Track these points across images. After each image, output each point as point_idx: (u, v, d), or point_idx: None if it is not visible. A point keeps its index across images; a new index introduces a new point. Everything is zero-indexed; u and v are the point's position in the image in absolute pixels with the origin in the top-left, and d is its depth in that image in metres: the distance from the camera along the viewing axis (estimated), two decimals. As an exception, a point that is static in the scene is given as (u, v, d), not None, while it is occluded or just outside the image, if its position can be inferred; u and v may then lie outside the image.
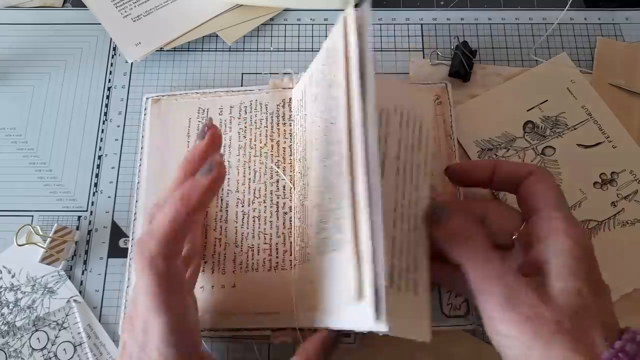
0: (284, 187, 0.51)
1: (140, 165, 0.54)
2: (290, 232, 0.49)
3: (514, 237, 0.41)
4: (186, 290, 0.40)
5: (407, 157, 0.43)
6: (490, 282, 0.37)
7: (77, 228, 0.54)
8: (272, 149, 0.53)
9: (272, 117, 0.54)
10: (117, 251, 0.53)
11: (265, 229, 0.50)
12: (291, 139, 0.53)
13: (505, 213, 0.43)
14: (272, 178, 0.52)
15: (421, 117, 0.45)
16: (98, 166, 0.56)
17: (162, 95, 0.56)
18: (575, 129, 0.55)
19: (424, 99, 0.47)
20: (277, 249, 0.49)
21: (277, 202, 0.51)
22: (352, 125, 0.37)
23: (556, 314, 0.34)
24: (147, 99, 0.56)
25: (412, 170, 0.43)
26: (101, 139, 0.57)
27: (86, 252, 0.53)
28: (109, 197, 0.55)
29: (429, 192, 0.43)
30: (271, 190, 0.51)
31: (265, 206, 0.51)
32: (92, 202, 0.55)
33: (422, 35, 0.61)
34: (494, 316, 0.36)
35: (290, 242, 0.49)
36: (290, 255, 0.49)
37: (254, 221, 0.50)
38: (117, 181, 0.56)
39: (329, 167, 0.41)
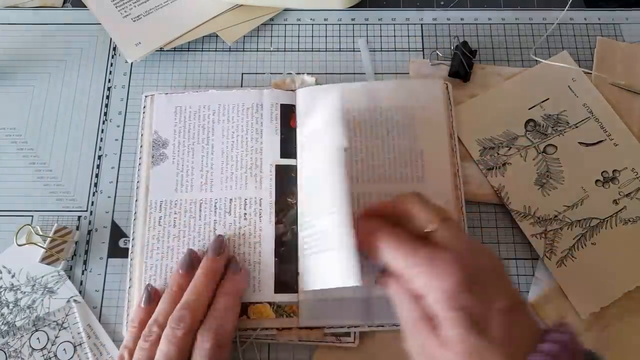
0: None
1: (140, 164, 0.53)
2: None
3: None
4: None
5: None
6: (407, 330, 0.39)
7: (77, 228, 0.53)
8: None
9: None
10: (117, 251, 0.53)
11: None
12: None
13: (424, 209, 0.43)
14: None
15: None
16: (98, 166, 0.56)
17: (160, 94, 0.56)
18: (576, 127, 0.55)
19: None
20: None
21: None
22: None
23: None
24: (145, 97, 0.56)
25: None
26: (101, 139, 0.57)
27: (86, 252, 0.53)
28: (109, 197, 0.55)
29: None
30: None
31: None
32: (92, 202, 0.55)
33: (422, 35, 0.61)
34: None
35: None
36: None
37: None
38: (117, 181, 0.55)
39: None
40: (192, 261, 0.47)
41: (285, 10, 0.63)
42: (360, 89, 0.54)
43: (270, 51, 0.61)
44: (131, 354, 0.44)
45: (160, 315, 0.44)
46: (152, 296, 0.47)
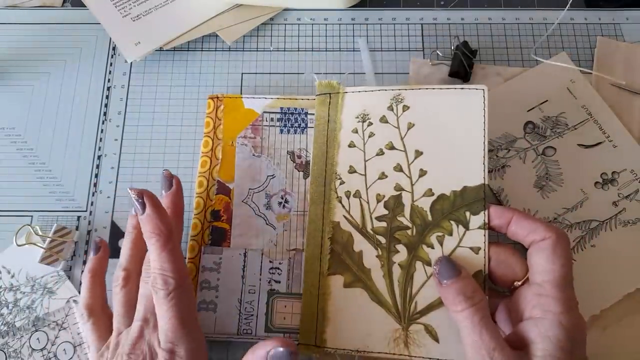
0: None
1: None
2: None
3: (514, 286, 0.42)
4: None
5: None
6: (479, 356, 0.37)
7: (77, 228, 0.54)
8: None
9: None
10: (116, 251, 0.53)
11: None
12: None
13: (512, 260, 0.42)
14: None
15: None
16: (97, 166, 0.56)
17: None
18: (575, 129, 0.55)
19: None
20: None
21: None
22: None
23: None
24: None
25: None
26: (100, 139, 0.57)
27: (85, 252, 0.53)
28: (109, 197, 0.55)
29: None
30: None
31: None
32: (92, 202, 0.55)
33: (422, 35, 0.61)
34: None
35: None
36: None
37: None
38: (116, 181, 0.55)
39: None
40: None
41: (285, 10, 0.63)
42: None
43: (270, 51, 0.61)
44: (89, 308, 0.45)
45: (123, 260, 0.45)
46: (99, 245, 0.48)
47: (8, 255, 0.52)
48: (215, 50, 0.61)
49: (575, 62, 0.58)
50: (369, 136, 0.49)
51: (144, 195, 0.41)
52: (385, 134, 0.49)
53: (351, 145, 0.49)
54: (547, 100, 0.56)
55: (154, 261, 0.40)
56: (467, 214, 0.44)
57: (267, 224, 0.51)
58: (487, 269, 0.43)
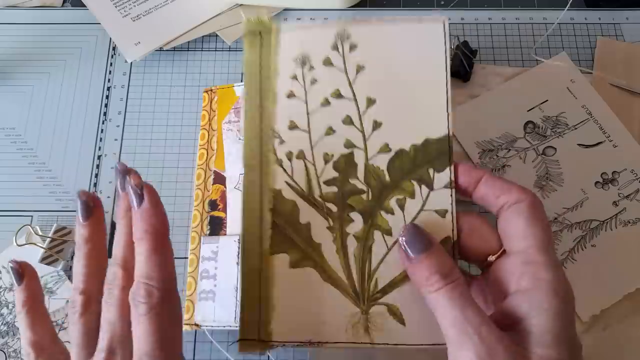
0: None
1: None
2: None
3: (489, 260, 0.36)
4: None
5: None
6: (465, 334, 0.31)
7: (77, 228, 0.53)
8: None
9: None
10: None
11: None
12: None
13: (483, 230, 0.37)
14: None
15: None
16: (97, 166, 0.56)
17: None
18: (575, 128, 0.55)
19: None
20: None
21: None
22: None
23: None
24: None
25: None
26: (100, 138, 0.57)
27: (86, 252, 0.53)
28: (109, 197, 0.55)
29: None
30: None
31: None
32: (92, 202, 0.55)
33: (423, 35, 0.61)
34: None
35: None
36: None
37: None
38: (116, 181, 0.55)
39: None
40: (88, 204, 0.37)
41: (285, 10, 0.63)
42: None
43: (270, 51, 0.61)
44: (36, 345, 0.37)
45: (79, 281, 0.35)
46: (21, 272, 0.39)
47: (8, 255, 0.52)
48: (215, 50, 0.61)
49: (575, 62, 0.58)
50: (312, 83, 0.40)
51: (143, 186, 0.34)
52: (331, 79, 0.40)
53: (290, 95, 0.40)
54: (547, 100, 0.56)
55: (141, 267, 0.32)
56: (431, 171, 0.38)
57: None
58: (455, 235, 0.37)
